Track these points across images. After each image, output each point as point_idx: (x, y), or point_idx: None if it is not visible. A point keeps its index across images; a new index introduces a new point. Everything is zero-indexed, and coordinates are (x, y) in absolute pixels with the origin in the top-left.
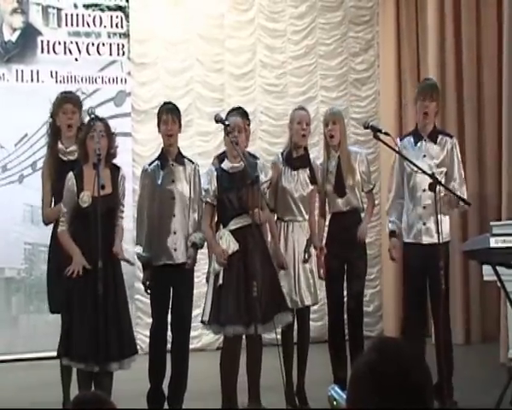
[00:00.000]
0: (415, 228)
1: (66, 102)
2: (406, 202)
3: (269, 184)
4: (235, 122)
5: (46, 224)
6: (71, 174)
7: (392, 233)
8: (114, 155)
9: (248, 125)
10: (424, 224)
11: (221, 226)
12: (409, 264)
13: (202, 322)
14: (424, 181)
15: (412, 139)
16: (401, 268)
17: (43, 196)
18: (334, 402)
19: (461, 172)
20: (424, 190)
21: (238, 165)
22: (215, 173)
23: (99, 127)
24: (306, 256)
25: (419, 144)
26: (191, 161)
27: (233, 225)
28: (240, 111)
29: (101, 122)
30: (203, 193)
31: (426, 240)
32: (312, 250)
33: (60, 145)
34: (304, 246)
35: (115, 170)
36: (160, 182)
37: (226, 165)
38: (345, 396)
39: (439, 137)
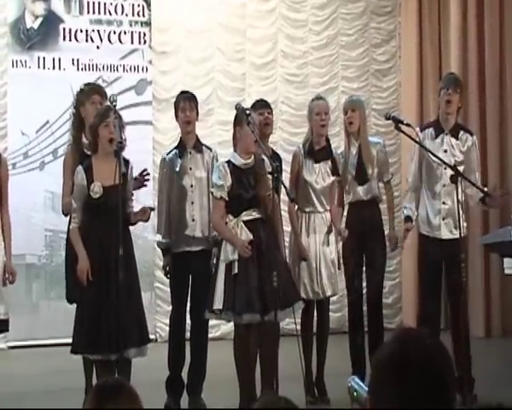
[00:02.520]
0: (433, 222)
1: (95, 92)
2: (424, 195)
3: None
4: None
5: (65, 215)
6: (80, 168)
7: (408, 218)
8: (123, 147)
9: (270, 113)
10: (443, 219)
11: (230, 217)
12: (426, 257)
13: (212, 311)
14: (444, 176)
15: (433, 131)
16: (417, 261)
17: (64, 186)
18: (355, 393)
19: (479, 169)
20: (444, 186)
21: (250, 161)
22: (228, 169)
23: (112, 117)
24: (325, 245)
25: (440, 138)
26: (209, 148)
27: (245, 216)
28: (262, 103)
29: (115, 113)
30: (215, 189)
31: (445, 235)
32: (332, 239)
33: (84, 139)
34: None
35: (124, 161)
36: (178, 170)
37: (237, 161)
38: (365, 387)
39: (461, 132)
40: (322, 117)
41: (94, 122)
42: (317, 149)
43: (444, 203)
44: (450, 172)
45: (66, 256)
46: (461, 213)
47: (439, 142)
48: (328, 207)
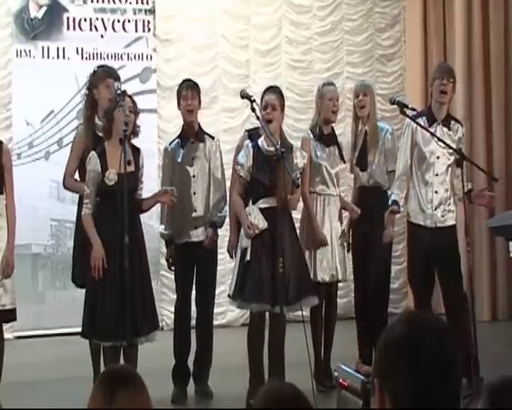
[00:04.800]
0: (425, 212)
1: (109, 76)
2: (415, 183)
3: (302, 170)
4: (268, 100)
5: (65, 187)
6: (93, 154)
7: (394, 202)
8: (137, 133)
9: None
10: (435, 208)
11: (250, 203)
12: (418, 246)
13: (229, 296)
14: (437, 165)
15: (426, 121)
16: (408, 250)
17: (68, 163)
18: (347, 380)
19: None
20: (437, 175)
21: (273, 149)
22: (252, 151)
23: (128, 102)
24: (338, 229)
25: (433, 127)
26: (212, 136)
27: (262, 203)
28: (276, 90)
29: (130, 98)
30: (238, 166)
31: (438, 223)
32: (344, 222)
33: (97, 120)
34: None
35: (136, 150)
36: (180, 160)
37: (263, 145)
38: (355, 373)
39: (452, 122)
40: (334, 103)
41: (109, 107)
42: (326, 134)
43: (436, 192)
44: (442, 161)
45: (74, 240)
46: (457, 198)
47: (432, 131)
48: (338, 192)
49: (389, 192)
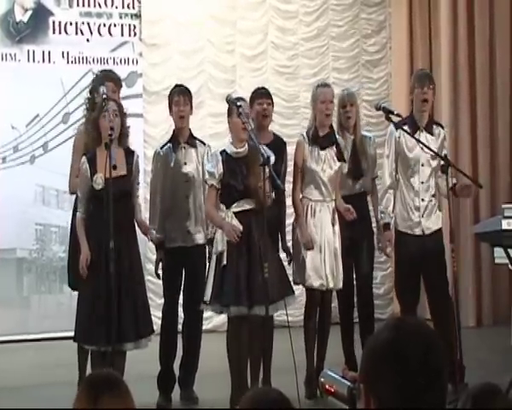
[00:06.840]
0: (411, 219)
1: (109, 80)
2: (402, 191)
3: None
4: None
5: (71, 193)
6: (84, 159)
7: (387, 225)
8: (127, 134)
9: (269, 104)
10: (422, 215)
11: (223, 207)
12: (405, 254)
13: (204, 302)
14: (422, 173)
15: (408, 129)
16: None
17: (72, 165)
18: (334, 386)
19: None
20: (422, 183)
21: (242, 150)
22: (220, 157)
23: (112, 106)
24: (330, 236)
25: (416, 135)
26: (203, 142)
27: (236, 207)
28: (262, 92)
29: (114, 102)
30: (207, 176)
31: (425, 230)
32: (336, 229)
33: None
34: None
35: (130, 153)
36: (172, 164)
37: (230, 149)
38: (341, 378)
39: (434, 127)
40: (327, 105)
41: (94, 115)
42: (321, 136)
43: (422, 200)
44: (427, 168)
45: (70, 242)
46: (450, 200)
47: (415, 138)
48: (334, 197)
49: (380, 208)
